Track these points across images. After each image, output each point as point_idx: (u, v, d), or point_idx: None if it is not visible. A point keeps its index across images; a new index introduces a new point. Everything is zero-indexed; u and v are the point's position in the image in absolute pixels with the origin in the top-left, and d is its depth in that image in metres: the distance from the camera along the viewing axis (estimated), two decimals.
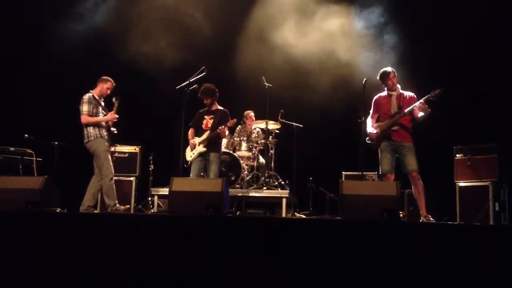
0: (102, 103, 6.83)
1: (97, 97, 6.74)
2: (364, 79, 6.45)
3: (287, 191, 7.43)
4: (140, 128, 8.57)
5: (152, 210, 7.66)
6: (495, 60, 7.52)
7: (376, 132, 6.14)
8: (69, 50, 8.44)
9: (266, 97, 7.81)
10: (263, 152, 8.26)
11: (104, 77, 6.83)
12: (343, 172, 8.25)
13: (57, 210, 5.69)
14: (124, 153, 8.02)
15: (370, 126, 6.25)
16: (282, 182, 8.05)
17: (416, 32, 8.21)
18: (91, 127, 6.61)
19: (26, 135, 7.61)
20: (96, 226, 4.51)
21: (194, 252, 4.19)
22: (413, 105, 5.95)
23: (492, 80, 7.58)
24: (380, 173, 6.15)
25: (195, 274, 4.11)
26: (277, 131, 8.46)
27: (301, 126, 8.23)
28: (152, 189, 7.73)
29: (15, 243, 4.31)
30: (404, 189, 7.00)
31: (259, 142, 8.35)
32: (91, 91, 6.75)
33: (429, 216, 5.82)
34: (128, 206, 7.01)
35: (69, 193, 6.48)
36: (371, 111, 6.33)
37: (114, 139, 6.90)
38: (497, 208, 6.71)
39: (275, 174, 8.12)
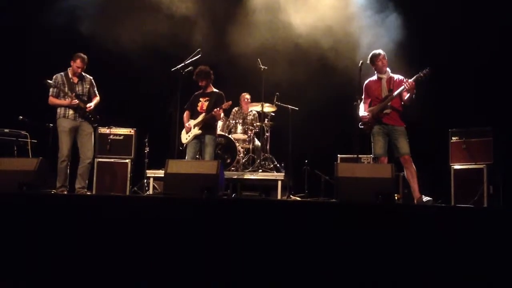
0: (78, 81, 6.80)
1: (70, 75, 6.75)
2: (360, 62, 6.41)
3: (283, 174, 7.44)
4: (136, 111, 8.55)
5: (147, 192, 7.67)
6: (492, 43, 7.49)
7: (368, 116, 6.14)
8: (63, 32, 8.37)
9: (262, 80, 7.79)
10: (259, 134, 8.26)
11: (76, 54, 6.80)
12: (338, 155, 8.26)
13: (52, 192, 5.70)
14: (120, 135, 7.99)
15: (363, 111, 6.25)
16: (278, 165, 8.05)
17: (415, 12, 8.14)
18: (58, 107, 6.70)
19: (21, 117, 7.59)
20: (91, 208, 4.50)
21: (189, 234, 4.20)
22: (403, 86, 5.95)
23: (488, 63, 7.56)
24: (373, 156, 6.17)
25: (190, 256, 4.12)
26: (273, 114, 8.44)
27: (297, 109, 8.21)
28: (147, 171, 7.72)
29: (10, 224, 4.31)
30: (399, 171, 7.02)
31: (254, 124, 8.34)
32: (69, 69, 6.78)
33: (423, 196, 5.83)
34: (89, 193, 6.94)
35: None
36: (363, 97, 6.33)
37: (102, 120, 6.92)
38: (491, 191, 6.75)
39: (270, 156, 8.12)
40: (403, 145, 5.96)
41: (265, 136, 8.23)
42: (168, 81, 7.38)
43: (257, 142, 8.36)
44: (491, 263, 3.86)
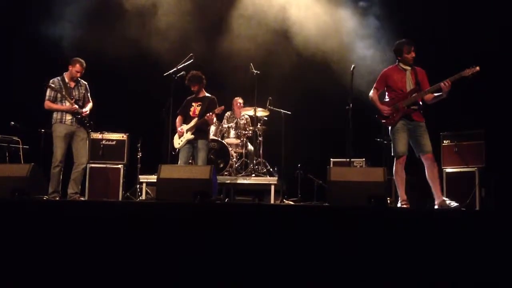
0: (75, 86, 6.75)
1: (66, 80, 6.70)
2: (352, 66, 6.44)
3: (276, 178, 7.45)
4: (128, 116, 8.53)
5: (140, 198, 7.65)
6: (482, 43, 7.50)
7: (390, 110, 5.76)
8: (54, 37, 8.36)
9: (255, 84, 7.80)
10: (252, 139, 8.26)
11: (74, 59, 6.76)
12: (331, 159, 8.28)
13: (44, 198, 5.67)
14: (112, 140, 7.97)
15: (379, 102, 5.86)
16: (271, 169, 8.06)
17: (403, 14, 8.17)
18: (54, 112, 6.62)
19: (12, 123, 7.56)
20: (84, 214, 4.49)
21: (182, 240, 4.19)
22: (439, 83, 5.57)
23: (479, 64, 7.59)
24: (393, 154, 5.78)
25: (182, 261, 4.11)
26: (266, 118, 8.45)
27: (289, 113, 8.23)
28: (140, 176, 7.71)
29: (1, 231, 4.28)
30: (391, 175, 7.04)
31: (247, 129, 8.35)
32: (64, 73, 6.74)
33: (447, 199, 5.62)
34: (82, 199, 6.90)
35: None
36: (375, 85, 5.94)
37: (95, 125, 6.89)
38: (483, 194, 6.77)
39: (263, 161, 8.13)
40: (427, 143, 5.65)
41: (258, 141, 8.24)
42: (161, 86, 7.37)
43: (250, 147, 8.37)
44: (483, 266, 3.87)
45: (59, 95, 6.63)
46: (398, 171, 5.77)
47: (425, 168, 5.71)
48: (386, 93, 5.93)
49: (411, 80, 5.78)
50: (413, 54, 5.79)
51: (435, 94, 5.70)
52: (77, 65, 6.70)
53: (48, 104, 6.64)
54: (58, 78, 6.72)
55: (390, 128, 5.85)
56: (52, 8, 8.47)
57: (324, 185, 7.44)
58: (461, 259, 3.90)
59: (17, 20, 8.54)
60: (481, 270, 3.86)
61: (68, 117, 6.62)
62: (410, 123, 5.73)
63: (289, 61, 8.77)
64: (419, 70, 5.85)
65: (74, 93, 6.72)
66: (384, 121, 5.86)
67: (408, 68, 5.83)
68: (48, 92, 6.64)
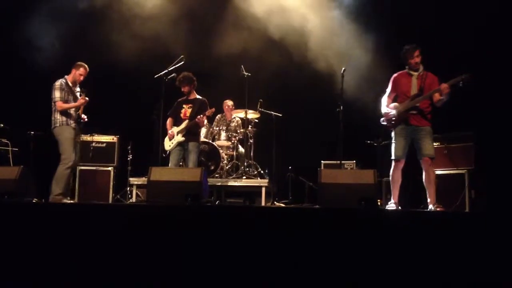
0: (78, 89, 6.72)
1: (70, 83, 6.66)
2: (343, 69, 6.45)
3: (267, 180, 7.45)
4: (118, 118, 8.50)
5: (130, 200, 7.62)
6: (471, 47, 7.55)
7: (392, 113, 5.84)
8: (43, 37, 8.31)
9: (245, 86, 7.80)
10: (243, 141, 8.26)
11: (78, 63, 6.72)
12: (322, 161, 8.29)
13: (34, 201, 5.63)
14: (102, 142, 7.94)
15: (385, 106, 5.94)
16: (262, 171, 8.06)
17: (392, 18, 8.21)
18: (58, 114, 6.51)
19: (1, 125, 7.51)
20: (74, 217, 4.47)
21: (172, 242, 4.18)
22: (436, 89, 5.66)
23: (467, 68, 7.63)
24: (392, 158, 5.84)
25: (173, 264, 4.10)
26: (256, 120, 8.46)
27: (280, 115, 8.24)
28: (130, 179, 7.68)
29: None
30: (381, 177, 7.06)
31: (238, 131, 8.35)
32: (65, 76, 6.68)
33: (438, 204, 5.66)
34: (72, 201, 6.82)
35: (45, 183, 6.41)
36: (388, 90, 6.00)
37: (85, 127, 6.85)
38: (473, 196, 6.81)
39: (254, 163, 8.13)
40: (427, 146, 5.69)
41: (249, 143, 8.24)
42: (151, 88, 7.35)
43: (241, 149, 8.37)
44: (473, 267, 3.90)
45: (66, 96, 6.56)
46: (394, 174, 5.85)
47: (423, 171, 5.77)
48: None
49: (416, 85, 5.82)
50: (416, 60, 5.81)
51: (440, 97, 5.71)
52: (81, 69, 6.68)
53: (60, 104, 6.50)
54: (62, 81, 6.62)
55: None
56: (40, 10, 8.42)
57: (315, 187, 7.45)
58: (451, 260, 3.93)
59: (4, 22, 8.48)
60: (471, 271, 3.88)
61: (72, 120, 6.57)
62: (408, 128, 5.79)
63: (279, 63, 8.77)
64: (429, 75, 5.87)
65: (76, 96, 6.69)
66: (385, 124, 5.96)
67: (415, 73, 5.86)
68: (58, 93, 6.50)
